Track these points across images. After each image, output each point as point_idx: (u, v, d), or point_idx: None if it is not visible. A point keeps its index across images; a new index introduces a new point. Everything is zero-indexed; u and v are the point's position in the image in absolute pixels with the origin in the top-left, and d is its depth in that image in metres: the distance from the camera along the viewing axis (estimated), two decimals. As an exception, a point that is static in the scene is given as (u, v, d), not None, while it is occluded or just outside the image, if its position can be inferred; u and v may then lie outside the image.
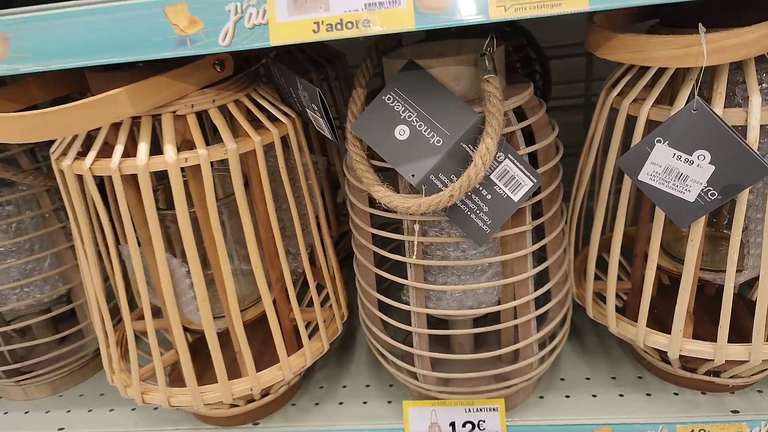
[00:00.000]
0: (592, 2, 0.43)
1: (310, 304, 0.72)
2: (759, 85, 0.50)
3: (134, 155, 0.52)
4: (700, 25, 0.46)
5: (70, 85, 0.60)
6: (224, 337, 0.62)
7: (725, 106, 0.50)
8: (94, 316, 0.63)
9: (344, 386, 0.75)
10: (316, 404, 0.73)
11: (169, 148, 0.52)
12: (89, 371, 0.83)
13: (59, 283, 0.79)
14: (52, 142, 0.59)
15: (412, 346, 0.63)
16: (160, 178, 0.71)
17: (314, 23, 0.46)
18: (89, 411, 0.76)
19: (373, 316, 0.66)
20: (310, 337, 0.67)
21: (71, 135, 0.52)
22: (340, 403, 0.72)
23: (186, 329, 0.65)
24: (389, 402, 0.72)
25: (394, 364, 0.67)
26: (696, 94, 0.49)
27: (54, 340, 0.81)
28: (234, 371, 0.64)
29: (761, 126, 0.49)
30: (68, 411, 0.77)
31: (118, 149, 0.52)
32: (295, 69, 0.63)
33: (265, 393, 0.68)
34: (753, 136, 0.49)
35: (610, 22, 0.57)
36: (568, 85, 1.05)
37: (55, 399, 0.80)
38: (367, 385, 0.75)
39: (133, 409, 0.75)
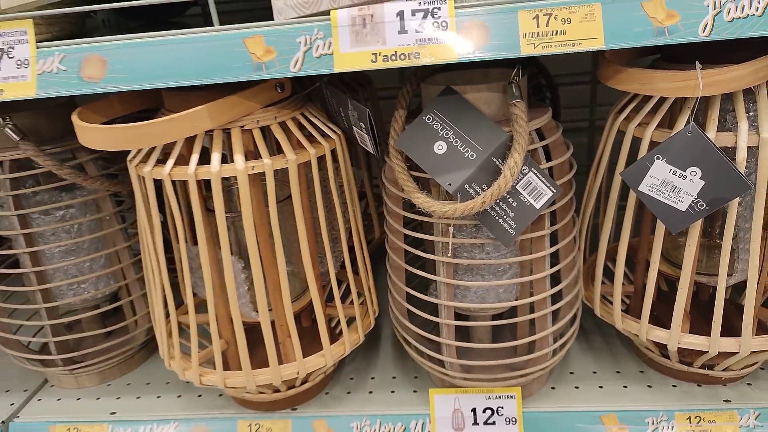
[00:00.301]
0: (607, 42, 0.52)
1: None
2: (746, 113, 0.58)
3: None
4: (697, 62, 0.55)
5: (145, 101, 0.68)
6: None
7: (717, 131, 0.59)
8: (155, 308, 0.71)
9: (372, 378, 0.82)
10: (348, 393, 0.80)
11: (239, 158, 0.60)
12: (134, 363, 0.90)
13: (111, 281, 0.86)
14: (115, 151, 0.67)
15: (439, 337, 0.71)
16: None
17: (372, 54, 0.54)
18: (137, 398, 0.83)
19: (404, 310, 0.74)
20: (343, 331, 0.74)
21: (158, 144, 0.60)
22: (370, 392, 0.80)
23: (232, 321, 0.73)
24: (415, 391, 0.79)
25: (422, 353, 0.74)
26: (692, 120, 0.58)
27: (101, 333, 0.88)
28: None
29: (748, 147, 0.58)
30: (117, 398, 0.84)
31: (194, 158, 0.60)
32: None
33: (303, 381, 0.75)
34: (741, 156, 0.57)
35: (619, 57, 0.66)
36: (573, 109, 1.14)
37: (104, 387, 0.87)
38: (394, 377, 0.82)
39: (179, 396, 0.82)
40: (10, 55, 0.58)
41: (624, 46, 0.52)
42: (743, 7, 0.51)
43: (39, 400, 0.86)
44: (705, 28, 0.51)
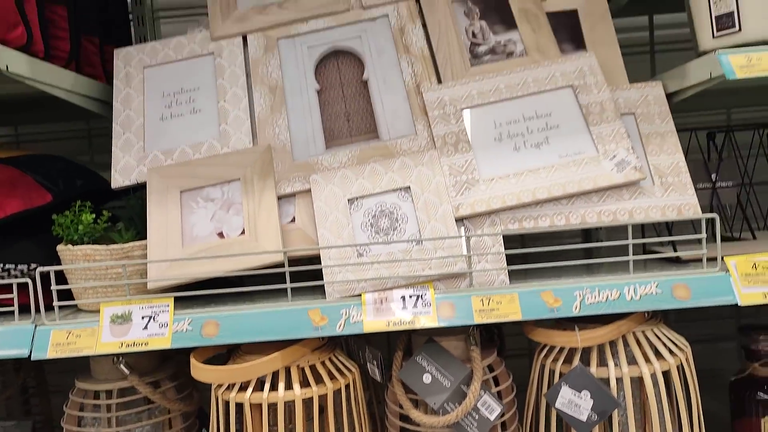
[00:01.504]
0: (523, 316, 0.90)
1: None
2: (612, 357, 0.95)
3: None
4: (576, 326, 0.93)
5: (226, 346, 1.01)
6: None
7: (597, 366, 0.94)
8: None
9: None
10: None
11: (297, 387, 0.91)
12: None
13: (164, 486, 1.09)
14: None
15: None
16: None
17: (387, 322, 0.90)
18: None
19: (401, 502, 1.00)
20: None
21: (246, 379, 0.91)
22: None
23: None
24: None
25: None
26: (579, 360, 0.94)
27: None
28: None
29: (616, 379, 0.93)
30: None
31: (267, 387, 0.91)
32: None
33: None
34: (612, 384, 0.93)
35: (535, 317, 1.04)
36: (516, 340, 1.51)
37: None
38: None
39: None
40: (155, 320, 0.92)
41: (533, 318, 0.90)
42: (596, 296, 0.90)
43: None
44: (576, 308, 0.90)
